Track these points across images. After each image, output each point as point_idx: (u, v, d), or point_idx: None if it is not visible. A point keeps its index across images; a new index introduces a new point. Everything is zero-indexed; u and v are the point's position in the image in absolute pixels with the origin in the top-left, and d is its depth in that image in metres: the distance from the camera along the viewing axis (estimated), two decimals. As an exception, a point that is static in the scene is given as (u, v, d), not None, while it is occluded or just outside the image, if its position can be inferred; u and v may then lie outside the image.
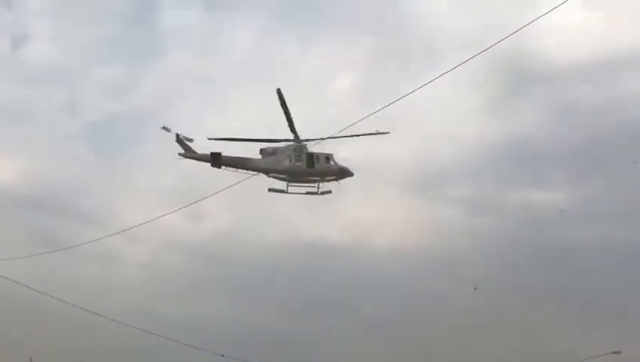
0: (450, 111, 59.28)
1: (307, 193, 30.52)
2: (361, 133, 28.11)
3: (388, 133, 27.69)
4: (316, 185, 30.35)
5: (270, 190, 30.31)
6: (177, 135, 30.08)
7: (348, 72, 65.60)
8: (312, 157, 29.40)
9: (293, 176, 29.47)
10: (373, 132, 27.70)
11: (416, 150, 60.31)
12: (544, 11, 21.80)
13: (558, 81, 61.22)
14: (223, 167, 29.92)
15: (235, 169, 29.95)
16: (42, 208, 58.08)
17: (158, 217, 34.65)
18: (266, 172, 29.80)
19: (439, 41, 59.91)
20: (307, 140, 29.59)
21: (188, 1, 74.35)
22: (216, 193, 31.08)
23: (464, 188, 62.31)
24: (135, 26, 71.38)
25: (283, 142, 29.82)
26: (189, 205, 33.94)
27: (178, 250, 58.14)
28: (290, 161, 29.40)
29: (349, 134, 28.21)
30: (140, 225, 35.25)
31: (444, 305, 52.61)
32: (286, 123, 28.72)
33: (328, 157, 29.65)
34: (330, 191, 30.63)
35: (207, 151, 29.96)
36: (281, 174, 29.40)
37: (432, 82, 23.81)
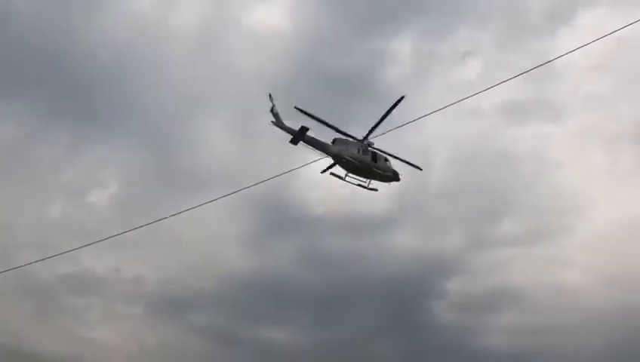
0: (209, 238, 65.10)
1: (359, 185, 35.82)
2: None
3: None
4: (367, 181, 35.87)
5: (332, 174, 35.29)
6: (273, 105, 33.96)
7: (115, 180, 70.38)
8: (375, 154, 35.75)
9: (359, 162, 34.89)
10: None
11: (166, 272, 64.98)
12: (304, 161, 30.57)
13: (312, 230, 67.69)
14: (300, 143, 34.11)
15: (312, 148, 34.33)
16: None
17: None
18: (337, 156, 34.75)
19: (207, 172, 67.48)
20: (366, 136, 35.22)
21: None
22: None
23: (207, 316, 65.86)
24: None
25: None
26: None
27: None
28: (358, 152, 34.99)
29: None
30: None
31: None
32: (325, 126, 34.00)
33: (386, 159, 36.03)
34: (376, 190, 36.40)
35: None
36: (351, 159, 34.49)
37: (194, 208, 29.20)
